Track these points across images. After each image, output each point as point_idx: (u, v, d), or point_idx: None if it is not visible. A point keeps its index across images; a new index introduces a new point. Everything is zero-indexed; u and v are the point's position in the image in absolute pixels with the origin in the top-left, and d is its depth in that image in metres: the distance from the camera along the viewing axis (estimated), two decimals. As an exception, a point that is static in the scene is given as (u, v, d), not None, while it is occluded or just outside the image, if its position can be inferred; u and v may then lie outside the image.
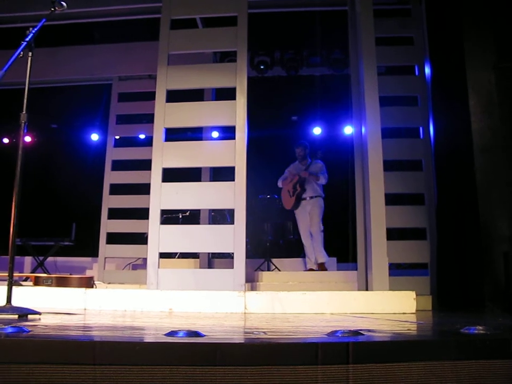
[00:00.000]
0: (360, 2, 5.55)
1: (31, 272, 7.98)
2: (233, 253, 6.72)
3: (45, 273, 7.73)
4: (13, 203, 2.93)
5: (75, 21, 6.81)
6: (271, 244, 7.43)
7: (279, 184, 7.49)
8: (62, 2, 3.31)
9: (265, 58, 7.80)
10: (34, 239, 8.17)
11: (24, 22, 6.89)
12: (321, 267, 6.96)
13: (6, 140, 9.80)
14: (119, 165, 7.85)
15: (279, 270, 7.07)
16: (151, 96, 7.87)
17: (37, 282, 5.07)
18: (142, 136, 8.35)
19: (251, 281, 5.96)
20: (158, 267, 5.07)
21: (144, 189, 7.56)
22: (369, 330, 2.13)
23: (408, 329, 2.33)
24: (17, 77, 8.15)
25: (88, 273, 7.89)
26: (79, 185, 9.23)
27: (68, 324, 2.37)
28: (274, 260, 7.19)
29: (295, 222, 7.59)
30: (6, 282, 5.26)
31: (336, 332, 1.93)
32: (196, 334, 1.68)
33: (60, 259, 8.14)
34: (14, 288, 5.00)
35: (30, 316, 2.82)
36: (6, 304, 2.78)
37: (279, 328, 2.28)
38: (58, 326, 1.96)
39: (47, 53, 7.92)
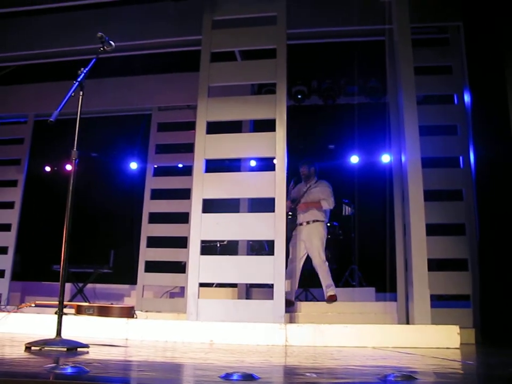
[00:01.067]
0: (398, 32, 5.59)
1: (71, 299, 8.09)
2: (272, 284, 6.74)
3: (84, 300, 7.84)
4: (64, 237, 2.98)
5: (116, 54, 7.00)
6: (309, 274, 7.37)
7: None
8: (111, 42, 3.42)
9: (302, 87, 7.86)
10: (74, 266, 8.31)
11: (72, 55, 7.15)
12: (331, 298, 6.34)
13: (48, 168, 10.04)
14: (157, 194, 7.95)
15: (318, 300, 7.00)
16: (189, 126, 8.05)
17: (79, 311, 5.13)
18: (180, 165, 8.44)
19: (290, 311, 5.93)
20: (198, 297, 5.10)
21: (181, 218, 7.66)
22: (420, 373, 2.10)
23: (460, 373, 2.29)
24: (64, 107, 8.39)
25: (126, 300, 7.97)
26: (118, 213, 9.38)
27: (119, 360, 2.39)
28: (312, 290, 7.13)
29: (333, 251, 7.55)
30: (56, 314, 5.38)
31: (388, 375, 1.90)
32: (251, 377, 1.68)
33: (98, 286, 8.24)
34: (56, 316, 5.09)
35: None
36: (56, 336, 2.82)
37: (328, 368, 2.27)
38: (113, 364, 1.98)
39: (88, 84, 8.13)
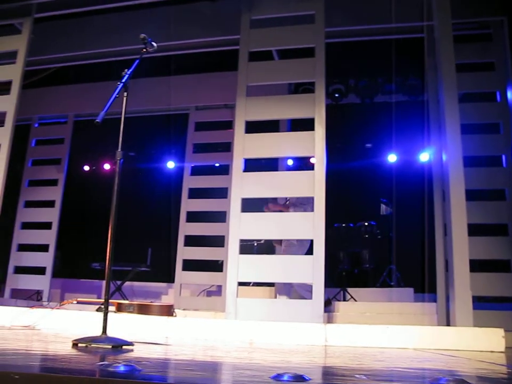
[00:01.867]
0: (439, 28, 5.50)
1: (109, 297, 8.21)
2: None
3: (122, 297, 7.95)
4: (109, 236, 3.01)
5: (154, 54, 7.07)
6: (347, 273, 7.33)
7: None
8: (153, 43, 3.45)
9: (340, 86, 7.82)
10: (112, 264, 8.42)
11: (110, 57, 7.27)
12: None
13: (86, 167, 10.21)
14: (195, 193, 8.01)
15: (355, 300, 6.95)
16: (227, 125, 8.09)
17: (120, 309, 5.19)
18: (217, 165, 8.48)
19: (327, 311, 5.90)
20: (237, 296, 5.11)
21: (219, 216, 7.70)
22: (471, 377, 2.06)
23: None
24: (98, 108, 8.51)
25: (164, 298, 8.04)
26: (155, 211, 9.48)
27: (167, 358, 2.41)
28: (350, 290, 7.08)
29: (371, 251, 7.48)
30: (97, 311, 5.47)
31: (440, 379, 1.87)
32: (302, 378, 1.67)
33: (136, 284, 8.34)
34: (97, 314, 5.18)
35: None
36: (102, 334, 2.86)
37: (375, 369, 2.24)
38: (162, 362, 2.00)
39: (127, 84, 8.26)
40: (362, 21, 6.47)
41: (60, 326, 4.85)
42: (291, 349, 3.59)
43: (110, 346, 2.79)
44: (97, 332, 2.95)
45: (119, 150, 3.06)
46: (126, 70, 3.15)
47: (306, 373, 1.77)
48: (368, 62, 7.72)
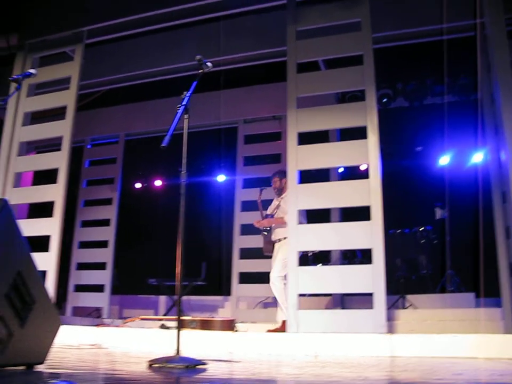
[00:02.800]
0: (491, 25, 5.38)
1: (166, 312, 8.32)
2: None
3: (180, 312, 8.04)
4: (178, 253, 3.05)
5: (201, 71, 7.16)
6: (405, 280, 7.21)
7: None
8: (208, 63, 3.49)
9: (387, 91, 7.73)
10: (168, 279, 8.54)
11: (156, 76, 7.41)
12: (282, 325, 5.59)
13: (138, 185, 10.39)
14: (247, 206, 8.04)
15: (415, 307, 6.83)
16: (275, 136, 8.11)
17: (182, 325, 5.25)
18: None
19: (387, 319, 5.81)
20: (297, 309, 5.09)
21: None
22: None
23: None
24: (147, 126, 8.67)
25: (221, 312, 8.08)
26: (207, 225, 9.57)
27: (247, 379, 2.42)
28: (408, 297, 6.96)
29: (428, 256, 7.35)
30: (161, 328, 5.54)
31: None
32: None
33: (193, 298, 8.41)
34: (161, 331, 5.25)
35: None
36: (176, 354, 2.90)
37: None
38: (247, 382, 2.01)
39: (174, 102, 8.37)
40: (409, 24, 6.40)
41: (125, 344, 4.94)
42: (360, 362, 3.55)
43: (183, 366, 2.83)
44: (164, 350, 2.99)
45: (183, 171, 3.09)
46: (185, 92, 3.20)
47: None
48: (415, 64, 7.61)
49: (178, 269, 3.10)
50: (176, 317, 6.00)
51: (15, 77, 3.87)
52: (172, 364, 2.81)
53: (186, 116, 3.22)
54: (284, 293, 5.61)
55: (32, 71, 4.06)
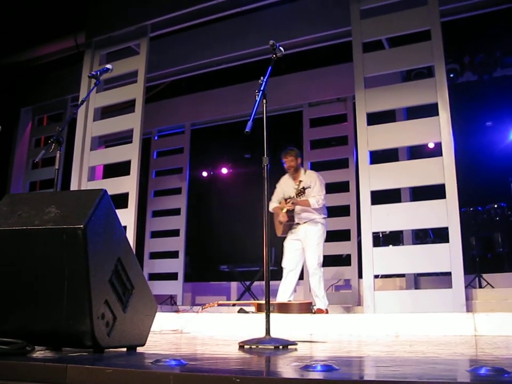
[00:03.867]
0: None
1: (239, 297, 8.46)
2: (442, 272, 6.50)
3: (252, 297, 8.15)
4: (264, 240, 3.11)
5: (264, 56, 7.16)
6: (480, 259, 7.04)
7: (270, 208, 5.83)
8: (281, 48, 3.50)
9: (454, 65, 7.52)
10: (240, 265, 8.68)
11: (227, 63, 7.51)
12: (319, 311, 5.50)
13: (204, 173, 10.57)
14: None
15: (492, 287, 6.67)
16: (341, 119, 8.05)
17: (260, 309, 5.33)
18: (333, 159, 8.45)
19: (465, 299, 5.71)
20: (374, 290, 5.08)
21: (342, 211, 7.70)
22: None
23: None
24: (212, 115, 8.74)
25: (293, 296, 8.13)
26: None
27: (340, 356, 2.46)
28: (485, 275, 6.80)
29: (503, 234, 7.14)
30: (238, 312, 5.65)
31: None
32: (502, 370, 1.64)
33: (263, 283, 8.49)
34: (239, 315, 5.35)
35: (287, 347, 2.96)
36: (266, 335, 2.96)
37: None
38: (347, 360, 2.04)
39: (237, 89, 8.47)
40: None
41: (206, 329, 5.07)
42: (446, 341, 3.52)
43: (273, 347, 2.88)
44: (246, 333, 3.04)
45: (265, 156, 3.13)
46: (261, 77, 3.23)
47: (494, 364, 1.74)
48: (483, 36, 7.36)
49: (265, 251, 3.13)
50: (257, 301, 6.12)
51: (93, 73, 4.02)
52: (263, 345, 2.87)
53: (264, 101, 3.25)
54: (322, 280, 5.66)
55: (108, 66, 4.20)
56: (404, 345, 3.20)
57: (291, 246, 5.86)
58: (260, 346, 2.86)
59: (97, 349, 2.19)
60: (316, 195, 5.65)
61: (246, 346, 2.89)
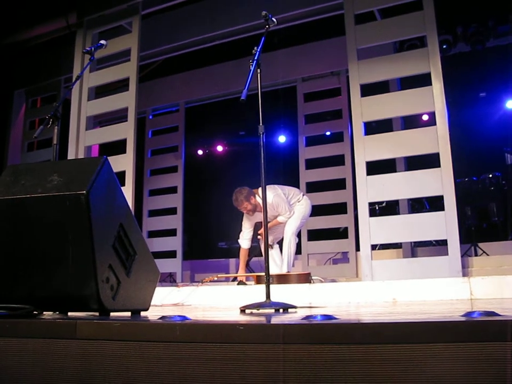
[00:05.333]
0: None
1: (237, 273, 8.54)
2: (435, 240, 6.59)
3: (251, 272, 8.24)
4: (263, 216, 3.16)
5: (257, 32, 7.16)
6: (475, 228, 7.13)
7: (243, 245, 6.46)
8: (273, 19, 3.52)
9: (446, 36, 7.52)
10: (237, 242, 8.74)
11: (210, 42, 7.49)
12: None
13: (200, 151, 10.59)
14: (312, 164, 8.09)
15: (488, 255, 6.77)
16: (335, 92, 8.07)
17: (259, 281, 5.42)
18: (327, 133, 8.49)
19: (462, 267, 5.80)
20: (371, 259, 5.16)
21: (338, 184, 7.76)
22: None
23: None
24: (206, 92, 8.72)
25: (292, 270, 8.23)
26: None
27: (347, 315, 2.52)
28: (480, 244, 6.89)
29: (498, 203, 7.23)
30: (238, 284, 5.73)
31: None
32: (493, 313, 1.70)
33: (262, 259, 8.57)
34: (239, 287, 5.42)
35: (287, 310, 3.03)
36: (266, 300, 3.03)
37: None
38: (347, 314, 2.10)
39: (231, 66, 8.47)
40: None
41: (207, 301, 5.14)
42: (443, 303, 3.60)
43: (274, 310, 2.95)
44: (246, 302, 3.09)
45: (261, 125, 3.17)
46: (255, 47, 3.26)
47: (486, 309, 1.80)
48: (476, 5, 7.35)
49: (263, 225, 3.19)
50: (253, 274, 6.19)
51: (88, 49, 4.03)
52: (264, 308, 2.94)
53: (258, 71, 3.28)
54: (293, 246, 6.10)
55: (102, 42, 4.21)
56: (401, 307, 3.28)
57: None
58: (260, 310, 2.93)
59: (103, 311, 2.25)
60: (284, 213, 6.07)
61: (247, 311, 2.96)
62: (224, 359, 1.50)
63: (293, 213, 6.15)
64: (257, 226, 6.36)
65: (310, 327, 1.51)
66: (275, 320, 2.03)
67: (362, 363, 1.43)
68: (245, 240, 6.40)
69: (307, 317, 1.75)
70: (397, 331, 1.43)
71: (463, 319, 1.54)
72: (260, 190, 5.80)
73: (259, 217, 6.13)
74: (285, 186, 6.31)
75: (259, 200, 5.95)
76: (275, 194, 6.01)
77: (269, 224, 5.62)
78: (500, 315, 1.62)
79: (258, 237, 6.35)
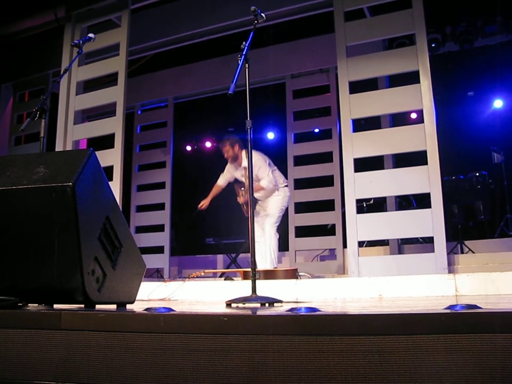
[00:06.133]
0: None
1: (226, 268, 8.55)
2: (422, 238, 6.63)
3: (237, 268, 8.25)
4: (249, 213, 3.16)
5: (246, 28, 7.15)
6: (462, 226, 7.18)
7: (218, 183, 6.62)
8: (262, 14, 3.53)
9: (436, 35, 7.57)
10: (225, 238, 8.77)
11: (198, 38, 7.48)
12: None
13: (188, 148, 10.57)
14: (300, 160, 8.10)
15: (473, 252, 6.82)
16: (324, 90, 8.09)
17: (246, 276, 5.43)
18: (316, 130, 8.51)
19: (448, 264, 5.84)
20: (358, 256, 5.18)
21: (326, 181, 7.78)
22: None
23: None
24: (195, 88, 8.71)
25: (280, 267, 8.25)
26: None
27: (333, 309, 2.54)
28: (467, 242, 6.95)
29: (484, 202, 7.29)
30: (225, 280, 5.73)
31: None
32: (475, 306, 1.72)
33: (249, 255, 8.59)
34: (226, 282, 5.42)
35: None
36: (252, 294, 3.04)
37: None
38: (333, 307, 2.12)
39: (220, 62, 8.46)
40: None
41: (194, 296, 5.13)
42: (428, 299, 3.63)
43: (259, 305, 2.96)
44: (232, 297, 3.09)
45: (248, 119, 3.17)
46: (244, 42, 3.26)
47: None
48: (465, 5, 7.40)
49: (250, 221, 3.20)
50: (240, 269, 6.20)
51: (76, 42, 4.02)
52: (250, 302, 2.95)
53: (246, 66, 3.29)
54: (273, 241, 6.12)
55: (91, 35, 4.19)
56: (387, 302, 3.30)
57: (257, 220, 6.20)
58: (246, 304, 2.94)
59: (88, 304, 2.25)
60: (266, 177, 5.99)
61: (233, 305, 2.97)
62: (208, 350, 1.51)
63: (279, 179, 6.18)
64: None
65: (294, 318, 1.52)
66: (260, 313, 2.04)
67: (346, 354, 1.44)
68: (220, 180, 6.60)
69: (291, 309, 1.76)
70: (380, 323, 1.45)
71: (446, 311, 1.55)
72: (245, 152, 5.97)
73: (239, 175, 6.31)
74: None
75: (244, 157, 6.09)
76: (259, 156, 6.05)
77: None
78: (481, 308, 1.64)
79: (240, 199, 6.26)
